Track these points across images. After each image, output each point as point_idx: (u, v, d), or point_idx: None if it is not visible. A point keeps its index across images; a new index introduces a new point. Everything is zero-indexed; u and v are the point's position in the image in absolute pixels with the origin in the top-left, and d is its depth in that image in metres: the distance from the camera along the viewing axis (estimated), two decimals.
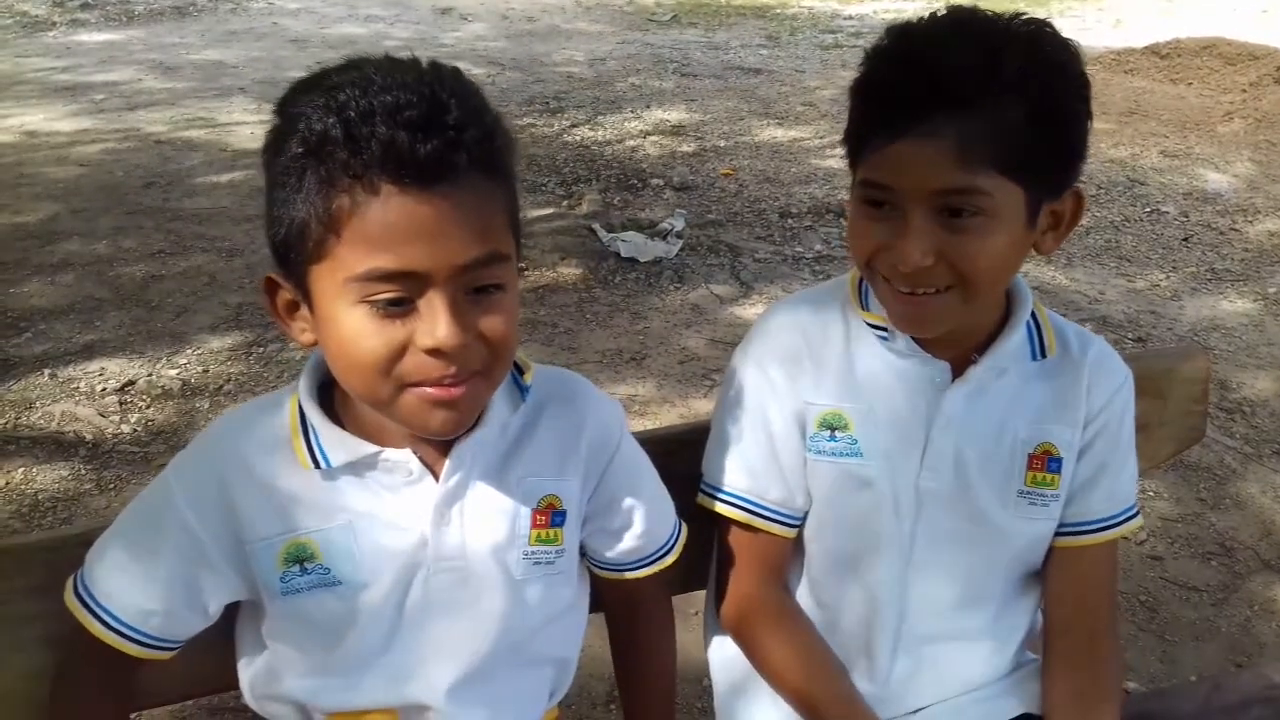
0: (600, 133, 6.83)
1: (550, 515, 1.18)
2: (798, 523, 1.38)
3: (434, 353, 0.97)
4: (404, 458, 1.11)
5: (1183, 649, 2.69)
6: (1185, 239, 5.38)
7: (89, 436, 3.38)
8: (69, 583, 1.13)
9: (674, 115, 7.29)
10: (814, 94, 8.02)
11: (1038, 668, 1.43)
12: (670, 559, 1.32)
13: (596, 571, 1.32)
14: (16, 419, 3.45)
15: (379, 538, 1.11)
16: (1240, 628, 2.77)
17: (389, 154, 0.92)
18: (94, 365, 3.79)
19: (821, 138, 6.87)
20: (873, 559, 1.35)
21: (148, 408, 3.56)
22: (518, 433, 1.18)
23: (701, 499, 1.40)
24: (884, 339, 1.32)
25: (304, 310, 1.04)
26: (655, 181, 5.86)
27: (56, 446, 3.33)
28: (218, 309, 4.25)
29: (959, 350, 1.31)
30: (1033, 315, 1.34)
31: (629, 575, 1.31)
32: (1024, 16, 1.17)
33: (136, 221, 5.09)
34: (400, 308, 0.97)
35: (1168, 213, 5.71)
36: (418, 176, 0.93)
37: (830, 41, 10.20)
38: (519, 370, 1.17)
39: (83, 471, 3.21)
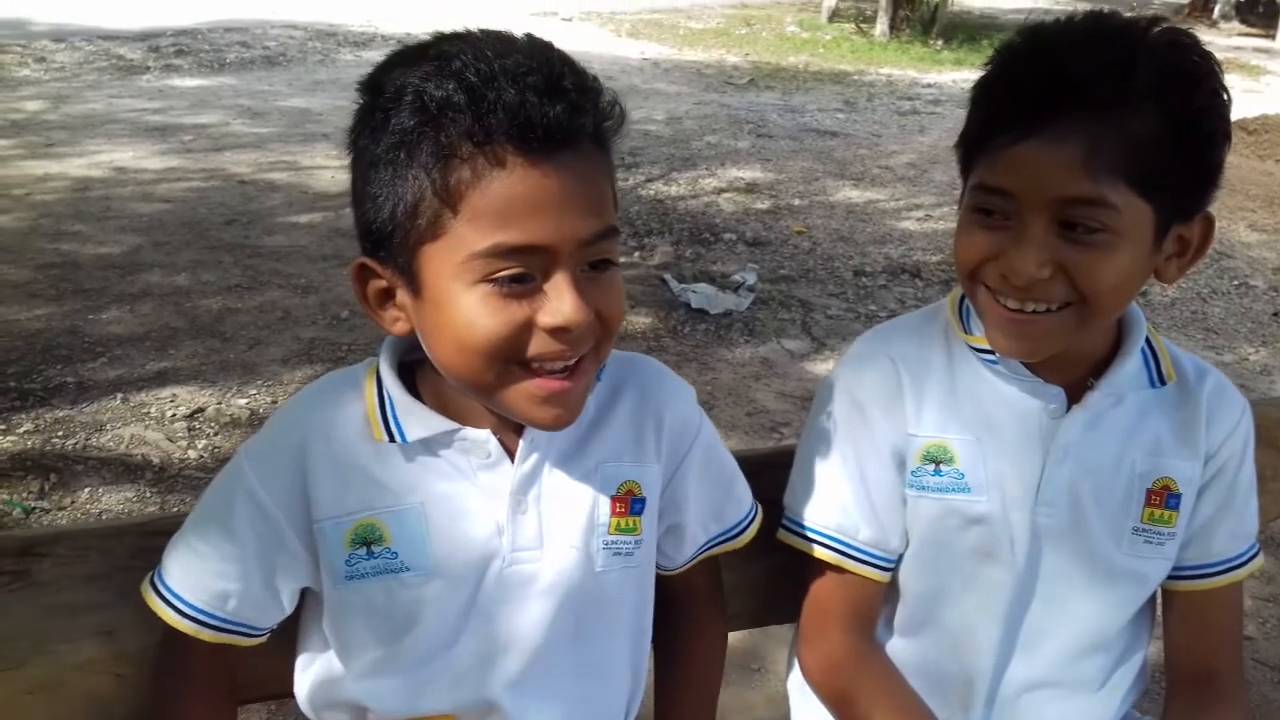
0: (675, 188, 6.83)
1: (630, 503, 1.12)
2: (892, 566, 1.28)
3: (557, 331, 0.93)
4: (483, 438, 1.06)
5: None
6: (1275, 314, 5.22)
7: (156, 460, 3.40)
8: (147, 578, 1.10)
9: (749, 173, 7.29)
10: (891, 158, 7.97)
11: None
12: (730, 545, 1.25)
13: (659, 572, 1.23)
14: (86, 440, 3.48)
15: (452, 524, 1.06)
16: None
17: (516, 118, 0.88)
18: (166, 392, 3.82)
19: (898, 200, 6.81)
20: (977, 600, 1.26)
21: (215, 435, 3.57)
22: (594, 416, 1.12)
23: (785, 536, 1.31)
24: (991, 364, 1.23)
25: (401, 297, 0.99)
26: (728, 236, 5.83)
27: (124, 468, 3.34)
28: (290, 343, 4.27)
29: (1072, 376, 1.22)
30: (1147, 341, 1.25)
31: (689, 566, 1.23)
32: (1164, 24, 1.09)
33: (216, 256, 5.16)
34: (523, 285, 0.92)
35: (1256, 287, 5.55)
36: (544, 142, 0.89)
37: (908, 108, 10.17)
38: None
39: (148, 494, 3.21)
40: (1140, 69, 1.04)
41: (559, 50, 0.96)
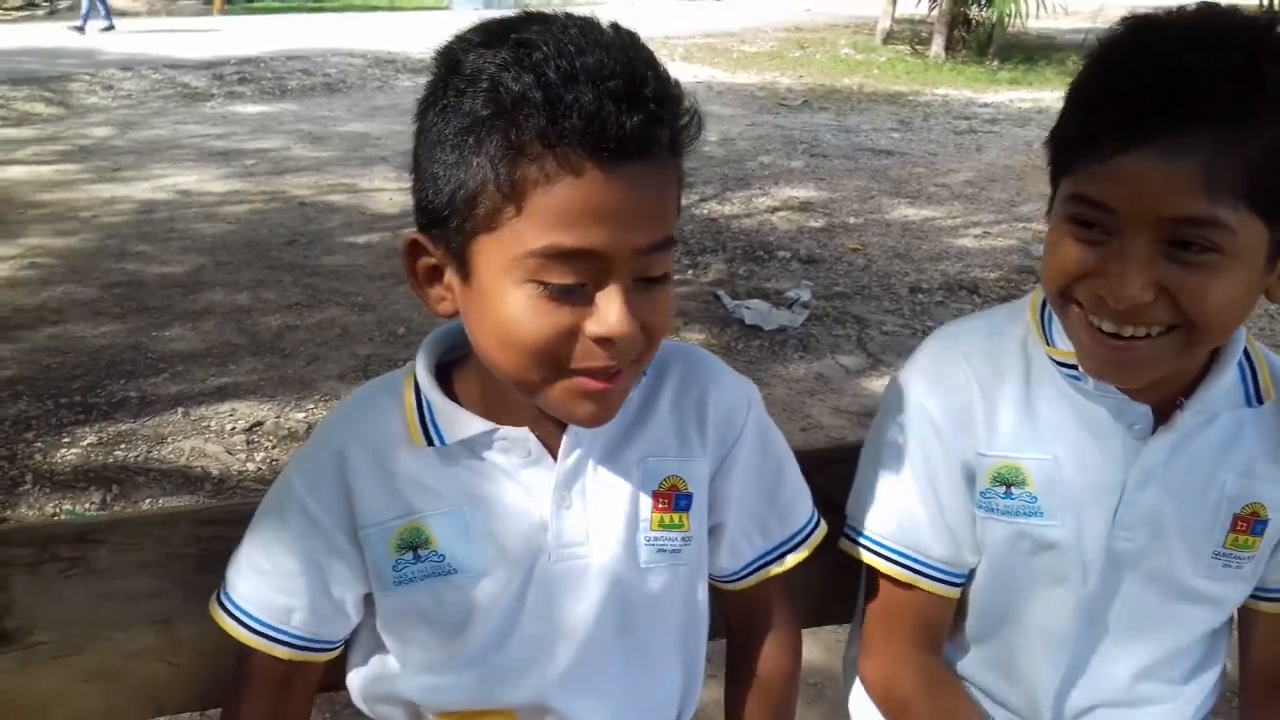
0: (728, 207, 6.83)
1: (674, 498, 1.08)
2: (963, 581, 1.21)
3: (603, 341, 0.90)
4: (521, 436, 1.03)
5: None
6: None
7: (215, 472, 3.44)
8: (214, 595, 1.10)
9: (803, 192, 7.27)
10: (948, 176, 7.91)
11: None
12: (792, 559, 1.18)
13: (713, 582, 1.19)
14: (148, 452, 3.54)
15: (497, 523, 1.04)
16: None
17: (592, 125, 0.84)
18: (225, 406, 3.88)
19: (955, 218, 6.74)
20: (1047, 623, 1.19)
21: (273, 448, 3.62)
22: (638, 409, 1.09)
23: (852, 548, 1.24)
24: (1074, 379, 1.13)
25: (449, 278, 0.96)
26: (782, 254, 5.81)
27: (184, 480, 3.39)
28: (347, 359, 4.32)
29: (1161, 394, 1.11)
30: (1245, 354, 1.14)
31: (742, 584, 1.18)
32: None
33: (276, 276, 5.26)
34: (572, 295, 0.89)
35: None
36: (617, 151, 0.85)
37: (964, 127, 10.09)
38: None
39: (207, 505, 3.25)
40: (1267, 77, 0.92)
41: (644, 49, 0.91)
